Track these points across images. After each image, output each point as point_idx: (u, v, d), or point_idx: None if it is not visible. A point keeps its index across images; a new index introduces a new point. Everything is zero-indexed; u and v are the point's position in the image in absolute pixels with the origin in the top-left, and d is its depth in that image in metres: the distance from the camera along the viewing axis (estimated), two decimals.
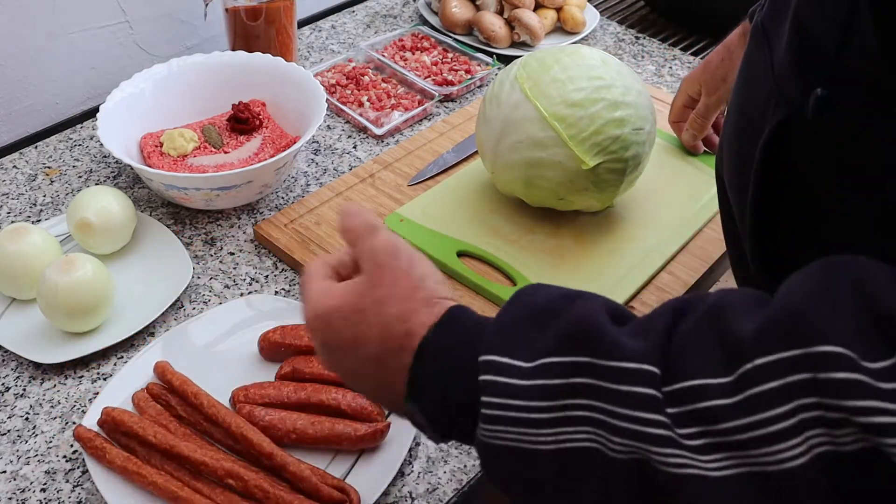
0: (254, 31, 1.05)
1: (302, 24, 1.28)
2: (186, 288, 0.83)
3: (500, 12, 1.25)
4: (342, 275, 0.52)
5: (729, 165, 0.61)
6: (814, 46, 0.47)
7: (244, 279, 0.85)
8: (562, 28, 1.28)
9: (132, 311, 0.80)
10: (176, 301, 0.81)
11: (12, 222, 0.90)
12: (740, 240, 0.59)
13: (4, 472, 0.68)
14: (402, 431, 0.69)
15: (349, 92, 1.11)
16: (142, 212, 0.92)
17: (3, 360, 0.76)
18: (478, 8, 1.26)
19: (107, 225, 0.83)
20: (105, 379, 0.75)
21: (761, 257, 0.56)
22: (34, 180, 0.97)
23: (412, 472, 0.69)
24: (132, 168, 0.88)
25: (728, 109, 0.64)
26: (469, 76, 1.15)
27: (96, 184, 0.96)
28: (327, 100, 0.95)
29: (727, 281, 0.81)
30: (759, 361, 0.37)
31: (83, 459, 0.67)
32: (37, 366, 0.76)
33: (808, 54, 0.48)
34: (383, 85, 1.13)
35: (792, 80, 0.49)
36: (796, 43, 0.49)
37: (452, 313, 0.47)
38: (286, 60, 1.00)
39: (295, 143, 0.92)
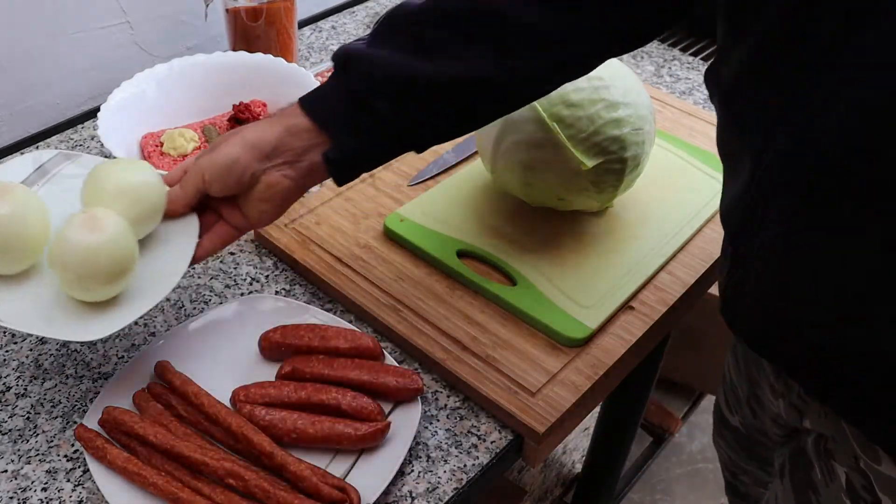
0: (254, 32, 1.05)
1: (302, 24, 1.28)
2: (187, 287, 0.83)
3: None
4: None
5: None
6: None
7: (244, 279, 0.85)
8: None
9: (141, 279, 0.68)
10: (177, 301, 0.82)
11: None
12: None
13: (6, 471, 0.68)
14: (402, 431, 0.69)
15: None
16: None
17: (4, 360, 0.77)
18: None
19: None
20: (106, 378, 0.75)
21: None
22: None
23: (412, 471, 0.69)
24: None
25: None
26: None
27: None
28: None
29: None
30: None
31: (84, 459, 0.68)
32: (38, 365, 0.76)
33: None
34: None
35: None
36: None
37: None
38: (287, 61, 1.00)
39: None
